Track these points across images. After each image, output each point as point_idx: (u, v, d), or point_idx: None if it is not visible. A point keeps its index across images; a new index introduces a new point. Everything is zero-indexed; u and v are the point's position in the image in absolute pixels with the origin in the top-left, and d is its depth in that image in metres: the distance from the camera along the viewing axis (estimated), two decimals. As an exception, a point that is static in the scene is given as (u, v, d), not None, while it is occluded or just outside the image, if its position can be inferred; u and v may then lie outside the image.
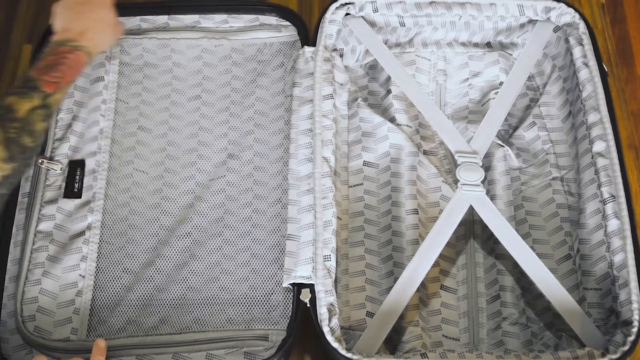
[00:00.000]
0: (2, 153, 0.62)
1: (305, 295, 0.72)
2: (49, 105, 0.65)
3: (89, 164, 0.83)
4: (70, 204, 0.81)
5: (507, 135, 0.90)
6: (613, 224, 0.75)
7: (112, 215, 0.83)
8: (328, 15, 0.87)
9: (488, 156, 0.86)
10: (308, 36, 0.89)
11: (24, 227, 0.79)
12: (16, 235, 0.79)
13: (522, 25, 0.90)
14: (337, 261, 0.74)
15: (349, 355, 0.69)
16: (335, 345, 0.69)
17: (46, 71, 0.66)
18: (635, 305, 0.71)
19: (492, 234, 0.79)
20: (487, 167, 0.86)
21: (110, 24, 0.75)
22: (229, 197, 0.85)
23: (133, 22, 0.90)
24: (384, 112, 0.89)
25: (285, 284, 0.74)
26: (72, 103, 0.86)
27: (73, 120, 0.85)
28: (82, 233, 0.80)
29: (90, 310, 0.78)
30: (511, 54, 0.93)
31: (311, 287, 0.72)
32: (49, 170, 0.82)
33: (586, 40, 0.85)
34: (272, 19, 0.93)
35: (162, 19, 0.91)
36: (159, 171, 0.86)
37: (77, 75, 0.70)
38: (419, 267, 0.75)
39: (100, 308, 0.79)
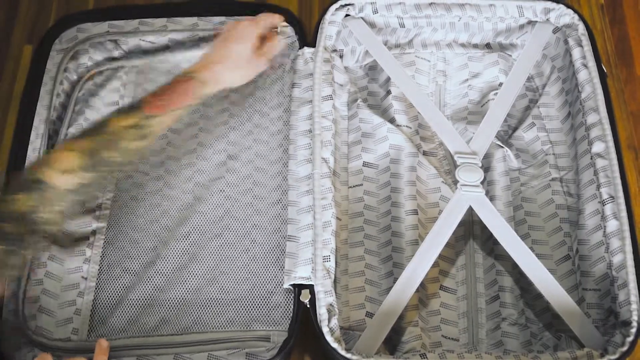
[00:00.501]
0: (84, 161, 0.65)
1: (305, 296, 0.72)
2: (148, 126, 0.67)
3: None
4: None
5: (506, 136, 0.90)
6: (612, 225, 0.75)
7: (114, 217, 0.84)
8: (328, 16, 0.87)
9: (487, 157, 0.86)
10: (306, 37, 0.89)
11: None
12: None
13: (522, 27, 0.90)
14: (336, 262, 0.74)
15: (348, 355, 0.69)
16: (334, 345, 0.70)
17: (153, 95, 0.69)
18: (634, 306, 0.71)
19: (491, 235, 0.79)
20: (486, 168, 0.86)
21: (246, 59, 0.75)
22: (229, 197, 0.85)
23: (132, 24, 0.91)
24: (384, 113, 0.89)
25: (286, 285, 0.74)
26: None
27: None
28: (86, 238, 0.81)
29: (91, 311, 0.78)
30: (510, 55, 0.93)
31: (311, 287, 0.72)
32: None
33: (585, 41, 0.85)
34: None
35: (161, 21, 0.91)
36: (159, 172, 0.87)
37: (188, 102, 0.70)
38: (418, 267, 0.76)
39: (102, 309, 0.79)
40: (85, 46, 0.89)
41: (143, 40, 0.91)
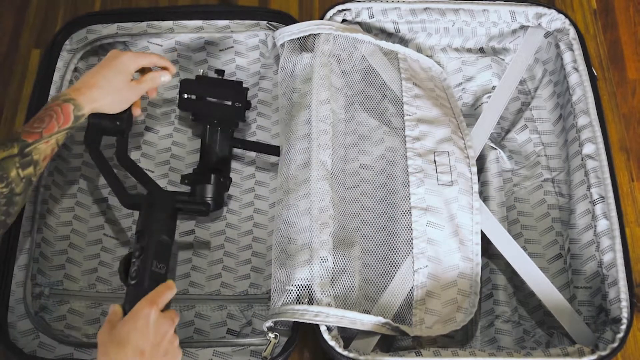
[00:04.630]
0: None
1: (303, 296, 0.73)
2: (29, 154, 0.67)
3: None
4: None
5: (499, 138, 0.92)
6: (602, 224, 0.77)
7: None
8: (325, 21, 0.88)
9: (481, 158, 0.88)
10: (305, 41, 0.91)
11: (32, 218, 0.81)
12: (25, 225, 0.80)
13: (514, 31, 0.92)
14: (333, 261, 0.75)
15: (345, 353, 0.70)
16: (332, 343, 0.71)
17: (30, 123, 0.69)
18: (624, 303, 0.73)
19: (484, 234, 0.81)
20: (480, 169, 0.88)
21: (118, 88, 0.76)
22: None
23: (140, 26, 0.93)
24: (380, 115, 0.90)
25: (287, 287, 0.74)
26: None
27: None
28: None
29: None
30: (503, 59, 0.95)
31: (309, 287, 0.73)
32: None
33: (576, 45, 0.87)
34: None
35: (167, 24, 0.93)
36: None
37: (65, 126, 0.71)
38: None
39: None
40: (95, 47, 0.91)
41: (150, 42, 0.93)
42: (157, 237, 0.72)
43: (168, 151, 0.92)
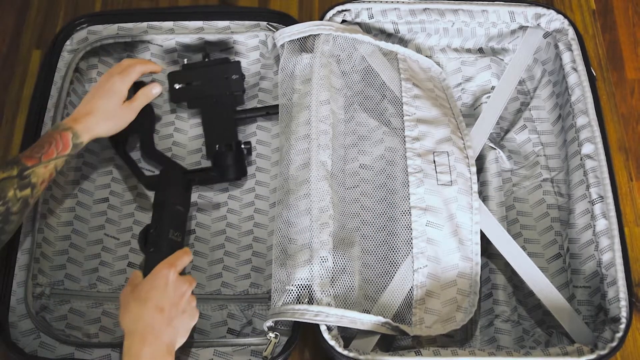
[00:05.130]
0: None
1: (303, 296, 0.73)
2: (27, 176, 0.70)
3: None
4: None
5: (498, 138, 0.92)
6: (601, 224, 0.77)
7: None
8: (325, 22, 0.89)
9: (480, 158, 0.88)
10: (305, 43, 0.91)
11: (33, 218, 0.81)
12: (26, 225, 0.81)
13: (513, 32, 0.92)
14: (333, 261, 0.76)
15: (345, 352, 0.71)
16: (332, 343, 0.71)
17: (30, 149, 0.73)
18: (623, 303, 0.73)
19: (484, 234, 0.81)
20: (479, 169, 0.88)
21: (113, 112, 0.79)
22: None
23: (141, 27, 0.93)
24: (380, 116, 0.91)
25: (287, 287, 0.75)
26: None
27: None
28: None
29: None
30: (502, 59, 0.95)
31: (309, 287, 0.74)
32: None
33: (575, 45, 0.87)
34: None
35: (168, 25, 0.94)
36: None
37: (64, 153, 0.74)
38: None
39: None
40: (96, 47, 0.92)
41: (151, 43, 0.93)
42: (172, 207, 0.79)
43: (170, 137, 0.93)
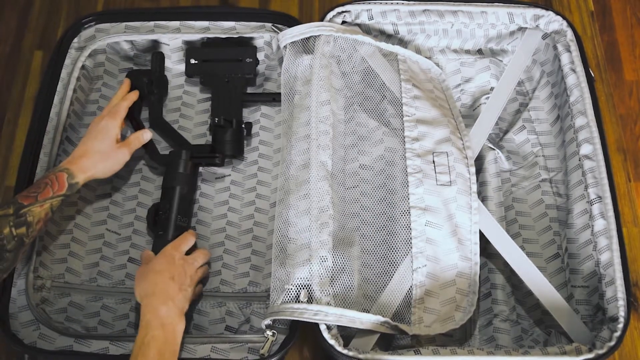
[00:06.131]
0: None
1: (303, 295, 0.73)
2: (23, 215, 0.72)
3: None
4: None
5: (497, 139, 0.93)
6: (599, 224, 0.78)
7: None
8: (325, 23, 0.89)
9: (479, 159, 0.89)
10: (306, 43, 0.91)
11: None
12: None
13: (512, 33, 0.92)
14: (333, 261, 0.76)
15: (344, 351, 0.71)
16: (331, 342, 0.72)
17: (27, 189, 0.75)
18: (621, 302, 0.73)
19: (483, 234, 0.81)
20: (478, 170, 0.88)
21: (108, 153, 0.82)
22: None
23: (147, 26, 0.94)
24: (379, 116, 0.91)
25: (287, 286, 0.75)
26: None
27: None
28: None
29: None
30: (501, 61, 0.96)
31: (309, 286, 0.74)
32: None
33: (573, 47, 0.88)
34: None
35: (174, 24, 0.95)
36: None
37: (60, 192, 0.76)
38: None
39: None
40: (103, 45, 0.92)
41: (157, 42, 0.94)
42: (180, 194, 0.85)
43: (177, 111, 0.95)
